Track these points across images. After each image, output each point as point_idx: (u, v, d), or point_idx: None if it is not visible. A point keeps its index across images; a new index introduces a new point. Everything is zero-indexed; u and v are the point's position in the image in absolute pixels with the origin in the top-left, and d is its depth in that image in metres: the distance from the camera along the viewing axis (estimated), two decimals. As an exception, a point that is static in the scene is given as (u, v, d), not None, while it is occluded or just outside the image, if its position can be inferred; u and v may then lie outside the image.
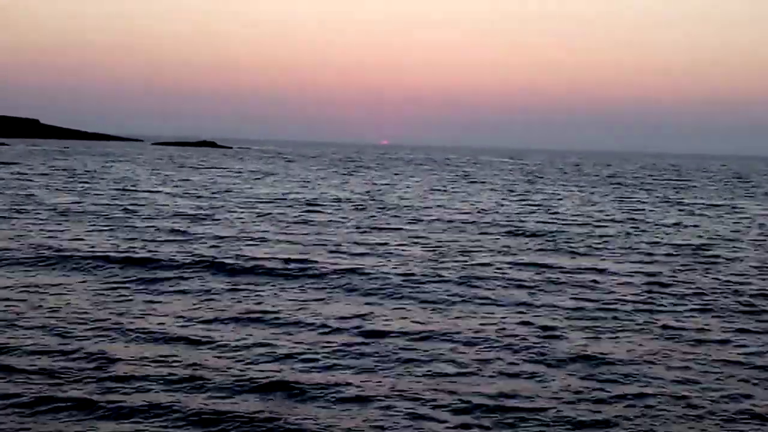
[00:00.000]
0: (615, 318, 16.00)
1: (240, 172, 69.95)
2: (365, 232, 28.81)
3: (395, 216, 35.11)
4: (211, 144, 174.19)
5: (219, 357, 12.51)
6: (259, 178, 61.56)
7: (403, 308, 16.35)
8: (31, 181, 48.23)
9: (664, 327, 15.41)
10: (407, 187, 58.04)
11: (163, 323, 14.42)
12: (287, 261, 21.22)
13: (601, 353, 13.39)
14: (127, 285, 17.81)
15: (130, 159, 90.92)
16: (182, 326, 14.28)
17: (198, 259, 21.04)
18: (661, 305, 17.40)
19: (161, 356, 12.41)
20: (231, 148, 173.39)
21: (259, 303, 16.43)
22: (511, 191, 56.62)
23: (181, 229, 27.48)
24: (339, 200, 42.88)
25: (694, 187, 71.94)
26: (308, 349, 13.09)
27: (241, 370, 11.81)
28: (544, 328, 14.98)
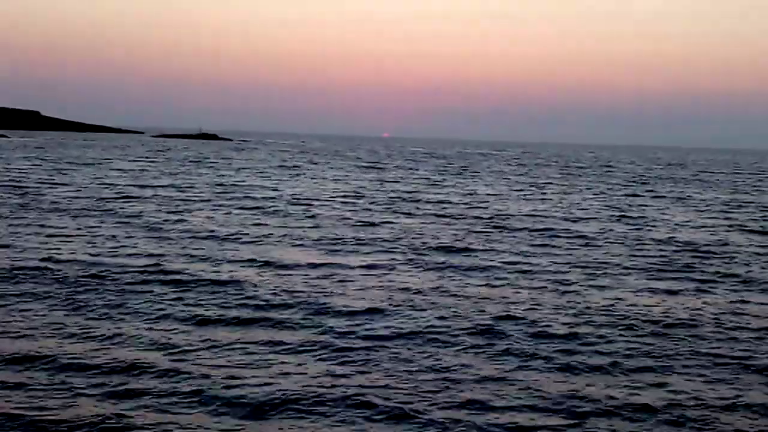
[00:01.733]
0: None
1: (235, 168, 69.68)
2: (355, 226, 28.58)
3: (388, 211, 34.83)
4: (212, 136, 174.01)
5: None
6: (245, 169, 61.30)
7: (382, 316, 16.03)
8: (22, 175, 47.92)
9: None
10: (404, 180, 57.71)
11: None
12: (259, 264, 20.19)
13: (581, 362, 13.09)
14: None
15: (128, 151, 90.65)
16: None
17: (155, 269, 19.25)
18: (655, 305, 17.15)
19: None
20: (231, 140, 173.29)
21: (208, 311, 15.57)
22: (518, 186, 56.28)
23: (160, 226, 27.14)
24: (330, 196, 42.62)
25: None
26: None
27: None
28: (532, 335, 14.65)
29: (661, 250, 25.56)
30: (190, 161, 75.13)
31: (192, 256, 21.38)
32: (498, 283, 19.30)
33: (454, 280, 19.51)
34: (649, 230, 30.93)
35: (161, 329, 14.08)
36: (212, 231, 26.38)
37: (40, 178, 45.35)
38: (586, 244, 26.24)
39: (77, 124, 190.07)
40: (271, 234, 26.40)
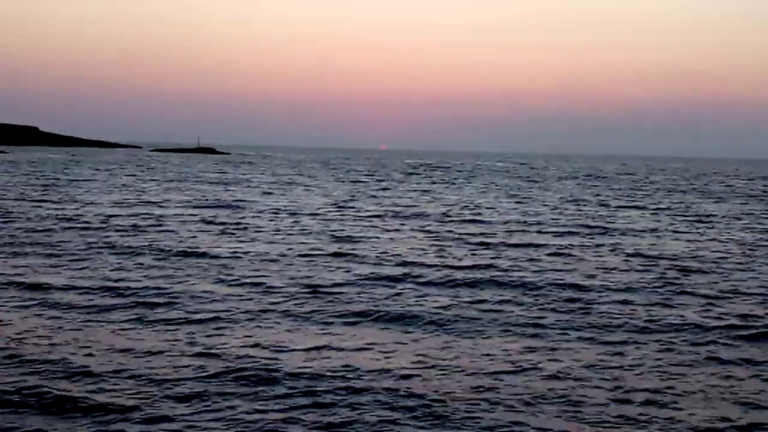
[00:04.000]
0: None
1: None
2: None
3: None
4: (210, 150, 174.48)
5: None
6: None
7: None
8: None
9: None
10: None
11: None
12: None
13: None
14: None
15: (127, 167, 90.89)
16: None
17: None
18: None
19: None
20: (230, 154, 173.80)
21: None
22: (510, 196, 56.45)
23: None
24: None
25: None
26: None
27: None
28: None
29: None
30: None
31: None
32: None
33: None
34: None
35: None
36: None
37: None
38: None
39: (75, 139, 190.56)
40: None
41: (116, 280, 18.47)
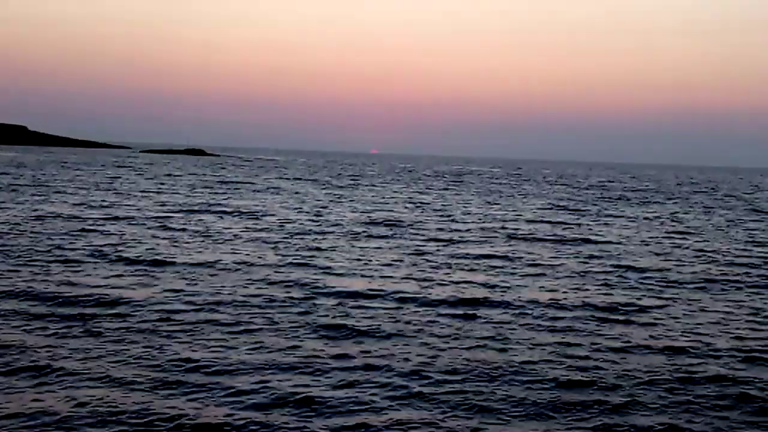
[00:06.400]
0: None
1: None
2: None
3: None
4: (200, 152, 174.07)
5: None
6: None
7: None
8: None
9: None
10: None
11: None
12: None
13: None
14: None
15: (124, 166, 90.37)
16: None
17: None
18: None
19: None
20: (218, 155, 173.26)
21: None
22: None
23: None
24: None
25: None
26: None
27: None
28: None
29: None
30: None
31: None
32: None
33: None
34: None
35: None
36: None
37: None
38: None
39: (63, 139, 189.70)
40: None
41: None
